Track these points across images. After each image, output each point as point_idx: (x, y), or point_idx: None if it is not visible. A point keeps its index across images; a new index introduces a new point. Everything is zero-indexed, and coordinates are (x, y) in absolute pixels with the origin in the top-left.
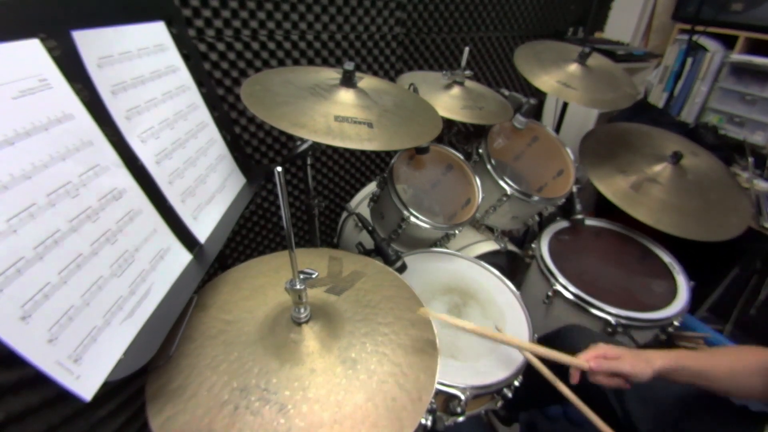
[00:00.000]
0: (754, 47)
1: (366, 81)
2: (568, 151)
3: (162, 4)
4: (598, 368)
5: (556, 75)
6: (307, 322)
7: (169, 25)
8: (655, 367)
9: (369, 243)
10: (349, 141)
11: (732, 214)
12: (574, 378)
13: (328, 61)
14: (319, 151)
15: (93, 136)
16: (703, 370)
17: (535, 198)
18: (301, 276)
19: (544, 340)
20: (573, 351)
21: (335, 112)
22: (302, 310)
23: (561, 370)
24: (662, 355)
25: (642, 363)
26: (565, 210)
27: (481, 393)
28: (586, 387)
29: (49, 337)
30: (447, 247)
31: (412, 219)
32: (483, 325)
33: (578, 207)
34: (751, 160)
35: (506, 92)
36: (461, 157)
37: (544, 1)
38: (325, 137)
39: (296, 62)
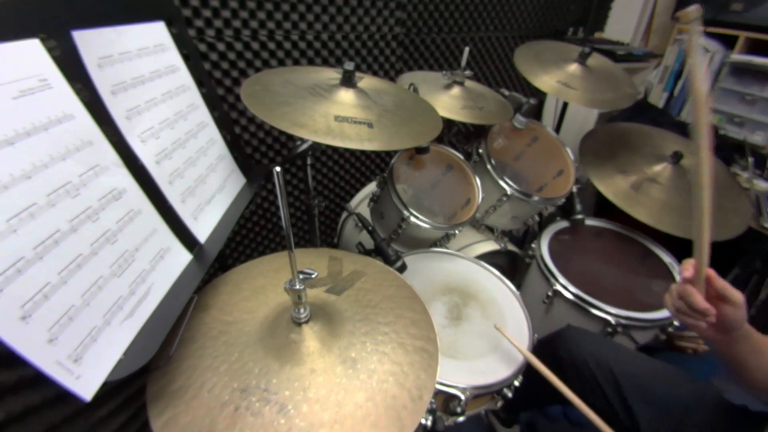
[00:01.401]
0: (754, 47)
1: (366, 81)
2: (568, 151)
3: (162, 4)
4: (716, 280)
5: (556, 75)
6: (307, 322)
7: (169, 25)
8: (746, 324)
9: (369, 243)
10: (349, 141)
11: (732, 214)
12: (687, 271)
13: (328, 61)
14: (319, 151)
15: (93, 136)
16: (758, 347)
17: (535, 198)
18: (301, 276)
19: (543, 342)
20: (571, 353)
21: (335, 112)
22: (302, 310)
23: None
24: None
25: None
26: (565, 210)
27: (481, 393)
28: (586, 386)
29: (49, 337)
30: (447, 247)
31: (412, 219)
32: (483, 325)
33: (578, 207)
34: (751, 160)
35: (506, 92)
36: (461, 157)
37: (544, 1)
38: (325, 137)
39: (296, 62)
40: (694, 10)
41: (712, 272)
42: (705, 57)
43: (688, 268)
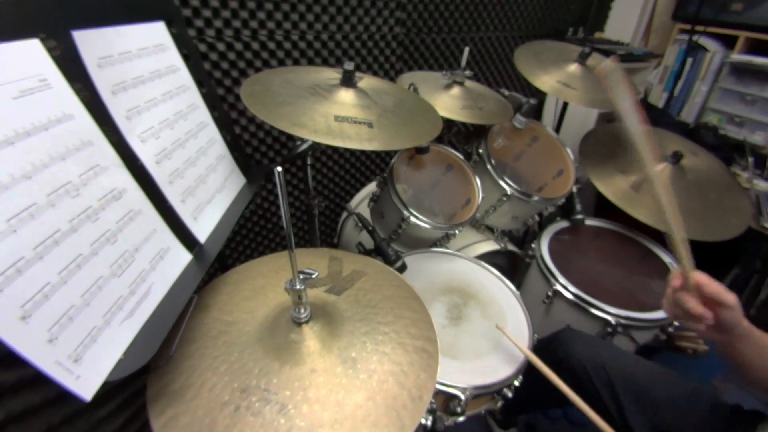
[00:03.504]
0: (754, 47)
1: (366, 81)
2: (568, 151)
3: (162, 4)
4: (707, 285)
5: (556, 75)
6: (307, 322)
7: (169, 25)
8: (744, 323)
9: (369, 243)
10: (349, 141)
11: (732, 214)
12: (676, 281)
13: (328, 61)
14: (319, 151)
15: (93, 136)
16: (759, 344)
17: (535, 198)
18: (301, 276)
19: (541, 343)
20: (568, 355)
21: (335, 112)
22: (302, 310)
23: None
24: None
25: (739, 308)
26: (565, 210)
27: (481, 393)
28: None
29: (49, 337)
30: (447, 247)
31: (412, 219)
32: (483, 325)
33: (578, 207)
34: (751, 160)
35: (506, 92)
36: (461, 157)
37: (544, 1)
38: (325, 137)
39: (296, 62)
40: (608, 63)
41: (702, 278)
42: (632, 99)
43: (676, 278)
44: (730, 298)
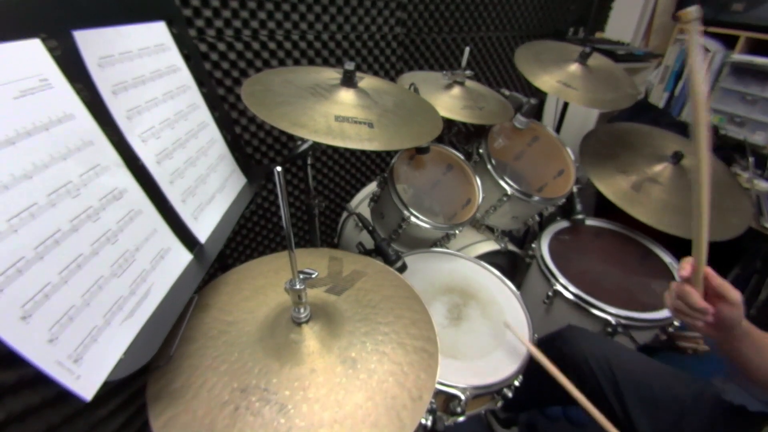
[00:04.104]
0: (754, 47)
1: (366, 81)
2: (569, 151)
3: (163, 4)
4: (714, 277)
5: (557, 75)
6: (307, 322)
7: (170, 25)
8: (744, 322)
9: (369, 243)
10: (350, 141)
11: (732, 214)
12: (685, 270)
13: (329, 61)
14: (320, 151)
15: (94, 135)
16: (759, 343)
17: (536, 198)
18: (301, 276)
19: (544, 341)
20: (572, 352)
21: (335, 112)
22: (302, 310)
23: (561, 369)
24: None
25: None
26: (566, 210)
27: (481, 393)
28: (586, 385)
29: (49, 337)
30: (447, 247)
31: (413, 219)
32: (483, 325)
33: (578, 207)
34: (751, 160)
35: (506, 92)
36: (461, 157)
37: (544, 1)
38: (325, 137)
39: (297, 62)
40: (693, 10)
41: (709, 270)
42: (705, 57)
43: (686, 266)
44: (734, 294)
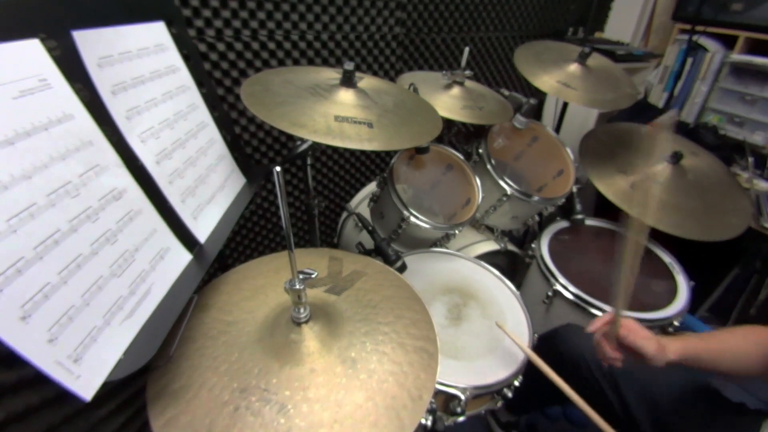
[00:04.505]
0: (754, 47)
1: (366, 81)
2: (568, 151)
3: (162, 4)
4: (625, 338)
5: (556, 75)
6: (307, 322)
7: (169, 25)
8: (667, 360)
9: (369, 243)
10: (349, 141)
11: (732, 214)
12: (596, 325)
13: (328, 61)
14: (319, 151)
15: (93, 136)
16: (711, 357)
17: (535, 198)
18: (301, 276)
19: (542, 339)
20: (570, 350)
21: (335, 112)
22: (302, 310)
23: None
24: (675, 349)
25: (661, 352)
26: (565, 210)
27: (481, 393)
28: (585, 382)
29: (49, 337)
30: (447, 247)
31: (412, 219)
32: (483, 325)
33: (578, 207)
34: (751, 160)
35: (506, 92)
36: (461, 157)
37: (544, 1)
38: (325, 137)
39: (296, 62)
40: (668, 117)
41: (623, 332)
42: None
43: (593, 325)
44: (646, 350)
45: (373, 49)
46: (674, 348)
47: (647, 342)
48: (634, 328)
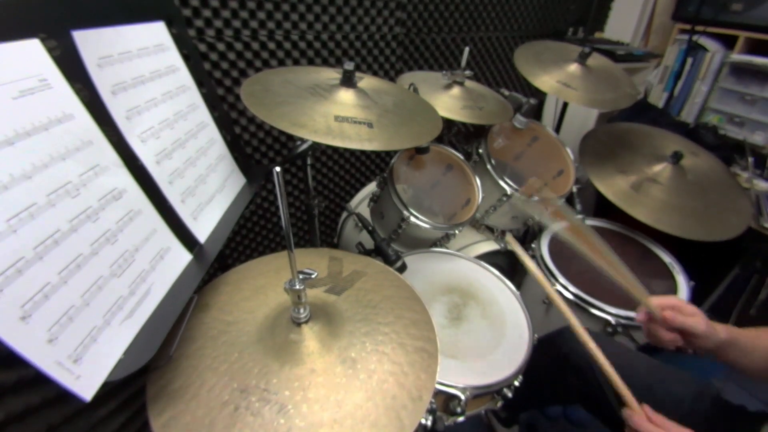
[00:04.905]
0: (754, 47)
1: (366, 81)
2: (568, 151)
3: (162, 4)
4: (672, 321)
5: (556, 75)
6: (306, 322)
7: (169, 25)
8: (718, 339)
9: (369, 243)
10: (349, 141)
11: (732, 214)
12: (640, 317)
13: (328, 61)
14: (319, 151)
15: (93, 136)
16: (749, 341)
17: (535, 198)
18: (301, 276)
19: (543, 341)
20: (573, 352)
21: (335, 112)
22: (302, 310)
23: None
24: (722, 329)
25: (711, 331)
26: None
27: (481, 393)
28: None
29: (49, 337)
30: (447, 247)
31: (412, 219)
32: (483, 325)
33: (578, 207)
34: (751, 160)
35: (506, 92)
36: (461, 157)
37: (544, 1)
38: (325, 137)
39: (296, 62)
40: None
41: (669, 315)
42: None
43: (640, 312)
44: (697, 328)
45: (373, 49)
46: (721, 328)
47: (696, 320)
48: (678, 306)
